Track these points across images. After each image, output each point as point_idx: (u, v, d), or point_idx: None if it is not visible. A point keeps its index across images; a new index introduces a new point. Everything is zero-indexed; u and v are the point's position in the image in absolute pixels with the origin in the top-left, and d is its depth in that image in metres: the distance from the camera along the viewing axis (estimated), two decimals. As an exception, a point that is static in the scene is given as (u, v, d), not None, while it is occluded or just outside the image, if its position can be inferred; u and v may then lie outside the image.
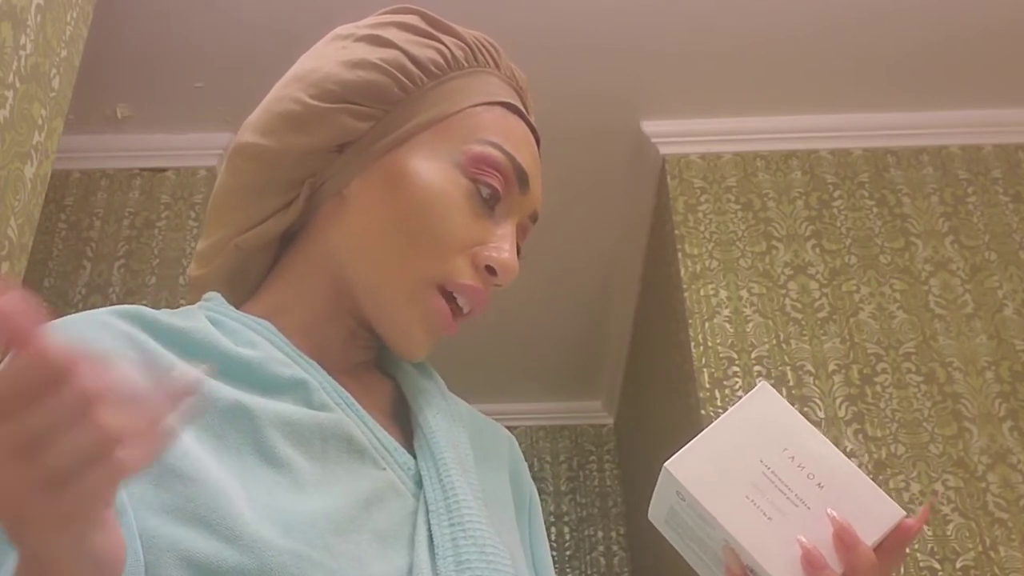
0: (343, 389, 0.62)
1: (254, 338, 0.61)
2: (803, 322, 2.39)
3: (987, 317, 2.38)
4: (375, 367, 0.72)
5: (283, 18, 2.27)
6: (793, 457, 0.61)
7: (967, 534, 2.11)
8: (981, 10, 2.33)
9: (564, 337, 3.68)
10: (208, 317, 0.62)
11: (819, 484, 0.61)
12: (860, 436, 2.23)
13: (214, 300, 0.66)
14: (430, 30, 0.69)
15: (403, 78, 0.66)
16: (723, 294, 2.44)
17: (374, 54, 0.66)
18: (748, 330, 2.38)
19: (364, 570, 0.53)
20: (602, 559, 3.85)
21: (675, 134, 2.67)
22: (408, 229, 0.63)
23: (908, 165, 2.62)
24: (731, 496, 0.60)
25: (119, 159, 2.70)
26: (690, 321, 2.41)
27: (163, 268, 2.54)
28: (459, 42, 0.69)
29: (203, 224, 0.73)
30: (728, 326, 2.39)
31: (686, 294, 2.45)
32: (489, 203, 0.65)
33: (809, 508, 0.60)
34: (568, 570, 3.82)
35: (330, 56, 0.68)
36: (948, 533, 2.11)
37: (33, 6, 1.51)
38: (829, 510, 0.59)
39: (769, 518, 0.59)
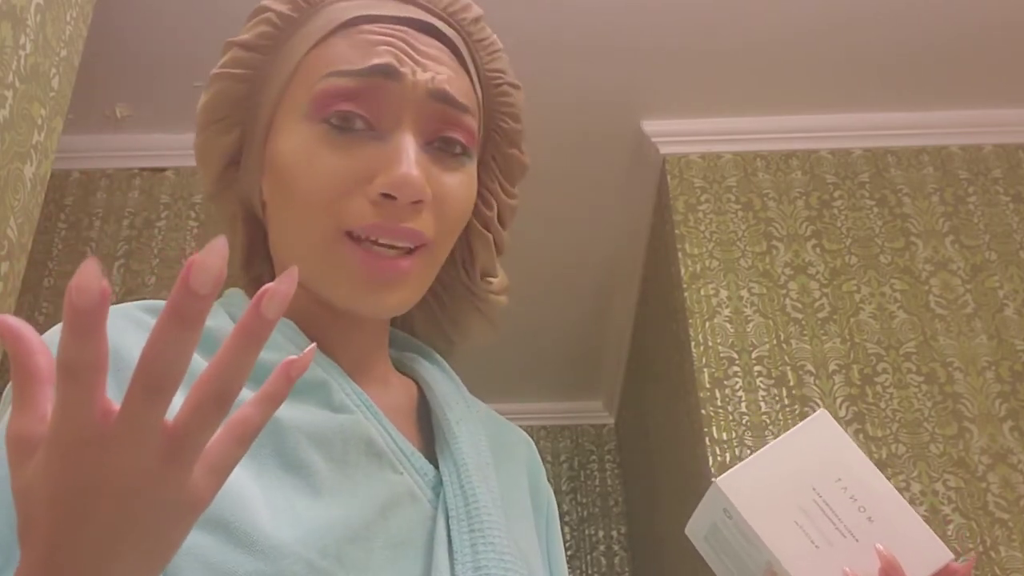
0: (362, 391, 0.61)
1: (275, 337, 0.60)
2: (803, 322, 2.39)
3: (987, 317, 2.38)
4: (396, 368, 0.71)
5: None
6: (846, 488, 0.61)
7: (967, 534, 2.11)
8: (981, 10, 2.32)
9: (564, 337, 3.68)
10: (230, 314, 0.62)
11: (869, 517, 0.61)
12: (861, 436, 2.23)
13: (235, 297, 0.66)
14: (260, 5, 0.65)
15: (240, 70, 0.64)
16: (723, 294, 2.44)
17: (218, 64, 0.65)
18: (748, 330, 2.38)
19: None
20: (603, 559, 3.85)
21: (675, 134, 2.67)
22: (290, 205, 0.60)
23: (908, 165, 2.62)
24: (780, 519, 0.60)
25: (119, 159, 2.70)
26: (690, 321, 2.41)
27: (163, 268, 2.54)
28: None
29: None
30: (728, 326, 2.39)
31: (686, 294, 2.45)
32: (354, 129, 0.58)
33: (857, 540, 0.60)
34: (569, 570, 3.82)
35: None
36: (948, 533, 2.11)
37: (33, 6, 1.51)
38: (877, 545, 0.59)
39: (816, 546, 0.59)
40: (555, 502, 0.76)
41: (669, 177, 2.64)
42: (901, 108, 2.62)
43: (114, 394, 0.52)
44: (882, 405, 2.27)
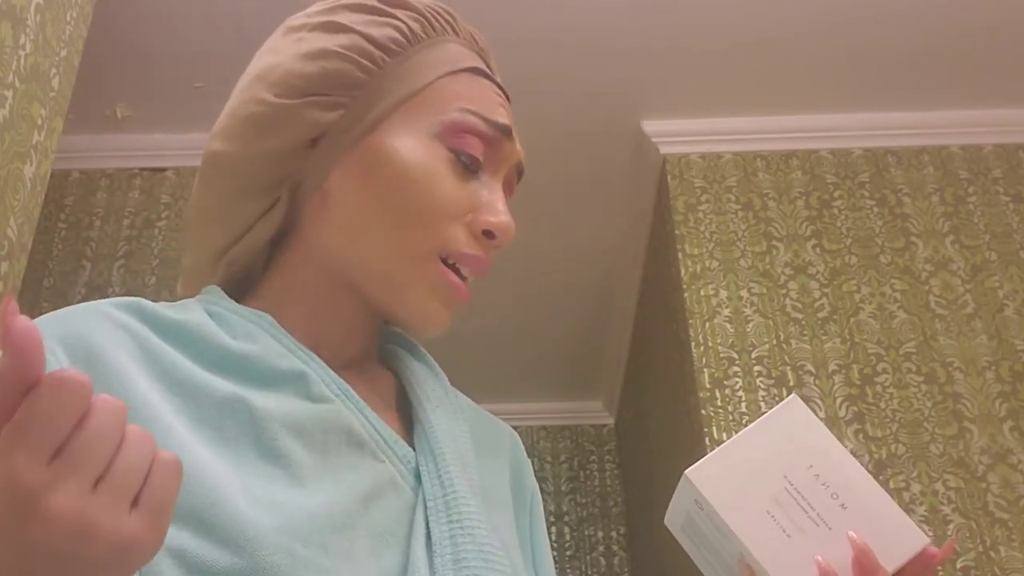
0: (342, 380, 0.61)
1: (252, 330, 0.60)
2: (803, 322, 2.39)
3: (987, 317, 2.38)
4: (377, 360, 0.71)
5: (283, 18, 2.27)
6: (818, 475, 0.60)
7: (967, 534, 2.11)
8: (981, 10, 2.32)
9: (564, 337, 3.68)
10: (206, 310, 0.62)
11: (843, 505, 0.59)
12: (860, 436, 2.23)
13: (213, 293, 0.65)
14: (383, 7, 0.68)
15: (365, 61, 0.65)
16: (723, 294, 2.44)
17: (332, 41, 0.65)
18: (748, 330, 2.38)
19: (357, 569, 0.52)
20: (602, 559, 3.85)
21: (675, 134, 2.67)
22: (396, 209, 0.63)
23: (908, 165, 2.62)
24: (751, 510, 0.59)
25: (119, 159, 2.70)
26: (690, 321, 2.41)
27: (163, 268, 2.54)
28: (414, 14, 0.68)
29: (186, 240, 0.72)
30: (728, 326, 2.39)
31: (686, 294, 2.45)
32: (471, 168, 0.65)
33: (830, 528, 0.59)
34: (568, 570, 3.82)
35: (287, 50, 0.67)
36: (948, 533, 2.11)
37: (33, 6, 1.51)
38: (850, 532, 0.58)
39: (788, 535, 0.58)
40: (540, 496, 0.76)
41: (669, 177, 2.64)
42: (901, 108, 2.62)
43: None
44: (882, 405, 2.27)
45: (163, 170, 2.70)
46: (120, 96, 2.58)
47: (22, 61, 1.47)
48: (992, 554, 2.08)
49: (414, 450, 0.62)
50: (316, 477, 0.54)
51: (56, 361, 0.52)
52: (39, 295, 2.50)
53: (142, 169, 2.71)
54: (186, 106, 2.58)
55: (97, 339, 0.54)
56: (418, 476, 0.60)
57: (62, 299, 2.47)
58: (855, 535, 0.58)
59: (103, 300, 0.58)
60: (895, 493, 2.15)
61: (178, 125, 2.65)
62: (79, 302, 0.58)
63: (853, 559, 0.57)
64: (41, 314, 0.53)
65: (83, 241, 2.59)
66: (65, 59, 1.64)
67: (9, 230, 1.44)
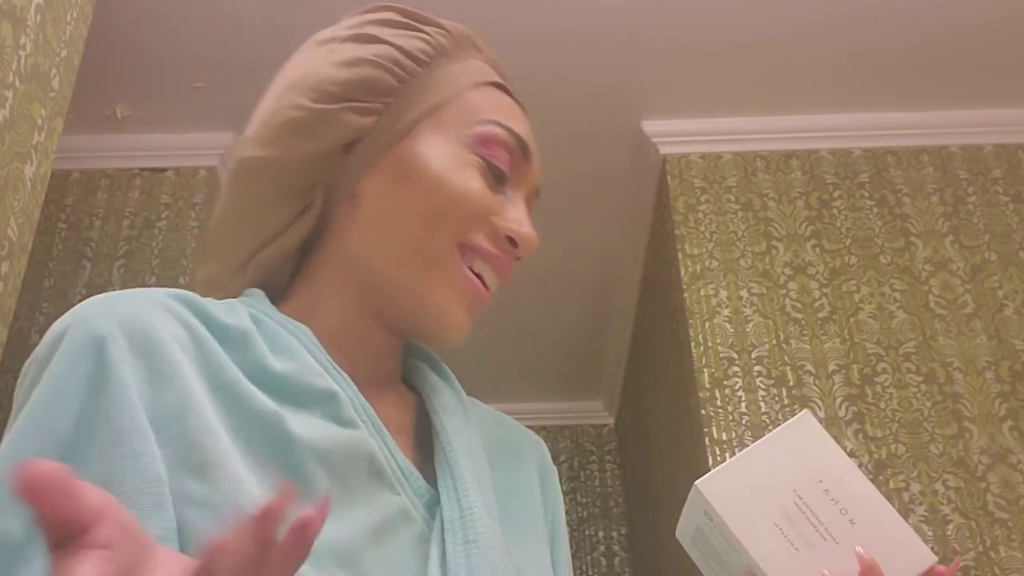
0: (369, 405, 0.62)
1: (292, 344, 0.61)
2: (803, 322, 2.39)
3: (987, 317, 2.38)
4: (400, 380, 0.72)
5: (283, 18, 2.27)
6: (827, 490, 0.61)
7: (967, 534, 2.11)
8: (981, 10, 2.33)
9: (564, 337, 3.68)
10: (250, 315, 0.62)
11: (851, 520, 0.60)
12: (860, 436, 2.23)
13: (256, 297, 0.66)
14: (410, 22, 0.70)
15: (398, 70, 0.67)
16: (723, 294, 2.44)
17: (365, 51, 0.67)
18: (748, 330, 2.38)
19: None
20: (603, 559, 3.85)
21: (675, 134, 2.67)
22: (424, 210, 0.64)
23: (908, 165, 2.62)
24: (759, 522, 0.59)
25: (119, 159, 2.70)
26: (690, 321, 2.41)
27: (163, 268, 2.54)
28: (440, 30, 0.71)
29: (205, 250, 0.72)
30: (728, 326, 2.39)
31: (686, 294, 2.45)
32: (499, 180, 0.67)
33: (838, 543, 0.59)
34: (568, 570, 3.82)
35: (319, 60, 0.68)
36: (948, 533, 2.11)
37: (33, 6, 1.51)
38: (858, 548, 0.58)
39: (796, 549, 0.59)
40: (562, 506, 0.76)
41: (669, 177, 2.64)
42: (901, 108, 2.62)
43: (145, 377, 0.52)
44: (882, 405, 2.27)
45: (163, 170, 2.70)
46: (120, 96, 2.58)
47: (22, 61, 1.47)
48: (992, 554, 2.08)
49: (433, 470, 0.62)
50: (333, 506, 0.54)
51: (116, 344, 0.52)
52: (39, 295, 2.50)
53: (142, 169, 2.71)
54: (186, 106, 2.58)
55: (155, 327, 0.54)
56: (429, 507, 0.61)
57: (62, 299, 2.47)
58: (862, 550, 0.58)
59: (157, 289, 0.59)
60: (895, 493, 2.15)
61: (178, 125, 2.65)
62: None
63: (860, 574, 0.57)
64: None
65: (83, 241, 2.59)
66: (65, 59, 1.64)
67: (9, 230, 1.45)
